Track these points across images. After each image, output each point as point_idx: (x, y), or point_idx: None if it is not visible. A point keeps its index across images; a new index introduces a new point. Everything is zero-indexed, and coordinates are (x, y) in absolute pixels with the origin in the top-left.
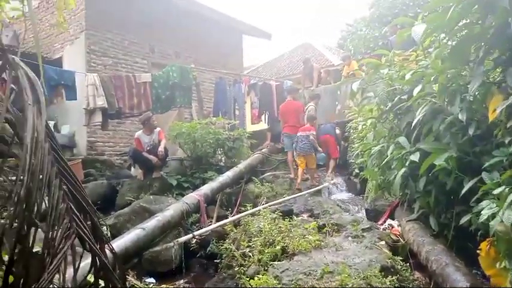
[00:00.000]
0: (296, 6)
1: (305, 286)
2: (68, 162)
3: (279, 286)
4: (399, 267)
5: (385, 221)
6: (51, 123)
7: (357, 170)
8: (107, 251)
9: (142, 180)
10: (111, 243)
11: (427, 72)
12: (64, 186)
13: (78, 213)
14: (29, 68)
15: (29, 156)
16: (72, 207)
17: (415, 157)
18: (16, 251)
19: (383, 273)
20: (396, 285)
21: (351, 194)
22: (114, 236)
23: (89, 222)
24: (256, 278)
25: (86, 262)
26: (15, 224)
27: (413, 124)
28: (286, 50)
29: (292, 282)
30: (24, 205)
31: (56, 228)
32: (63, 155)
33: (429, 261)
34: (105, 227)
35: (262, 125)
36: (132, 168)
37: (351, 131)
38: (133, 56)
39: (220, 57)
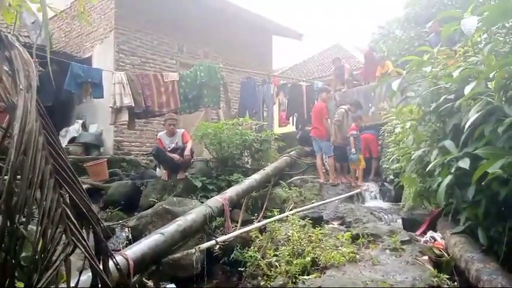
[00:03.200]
0: (325, 8)
1: None
2: (93, 161)
3: None
4: (446, 286)
5: (424, 232)
6: (80, 122)
7: (391, 176)
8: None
9: (166, 181)
10: (129, 249)
11: (480, 69)
12: (61, 189)
13: (76, 221)
14: (24, 49)
15: (15, 150)
16: (70, 213)
17: (465, 163)
18: None
19: None
20: None
21: (385, 201)
22: (135, 238)
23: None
24: None
25: (87, 277)
26: None
27: (466, 126)
28: (316, 52)
29: None
30: (6, 211)
31: (47, 238)
32: (89, 152)
33: (480, 281)
34: (127, 229)
35: (291, 127)
36: (157, 169)
37: (386, 134)
38: (161, 56)
39: (249, 58)
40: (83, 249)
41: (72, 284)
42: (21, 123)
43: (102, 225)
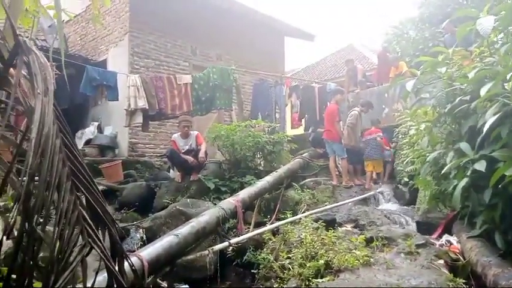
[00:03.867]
0: (338, 9)
1: None
2: (108, 162)
3: None
4: None
5: (439, 236)
6: (96, 124)
7: (406, 179)
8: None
9: (180, 183)
10: (143, 250)
11: (496, 70)
12: (77, 191)
13: (92, 223)
14: (41, 53)
15: (32, 152)
16: (86, 215)
17: (481, 166)
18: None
19: None
20: None
21: (399, 204)
22: (149, 239)
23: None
24: None
25: (102, 279)
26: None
27: (483, 128)
28: (328, 53)
29: None
30: (24, 212)
31: (64, 239)
32: (104, 154)
33: (498, 287)
34: (141, 230)
35: (303, 129)
36: (171, 171)
37: (400, 136)
38: (175, 58)
39: (261, 60)
40: (98, 251)
41: (88, 285)
42: (39, 127)
43: (117, 226)
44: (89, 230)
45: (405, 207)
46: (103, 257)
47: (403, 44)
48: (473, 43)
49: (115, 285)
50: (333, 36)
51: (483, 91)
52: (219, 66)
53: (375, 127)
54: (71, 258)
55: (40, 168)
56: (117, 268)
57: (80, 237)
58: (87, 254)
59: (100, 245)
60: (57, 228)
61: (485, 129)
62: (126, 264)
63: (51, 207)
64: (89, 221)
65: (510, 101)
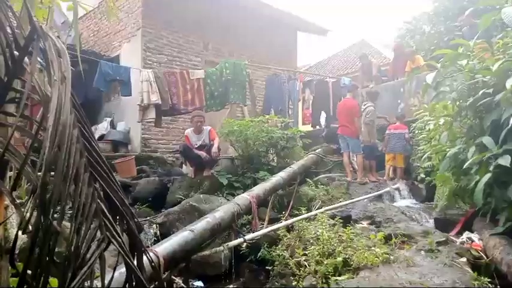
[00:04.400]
0: (349, 4)
1: None
2: (121, 158)
3: None
4: None
5: (459, 233)
6: (109, 120)
7: (422, 175)
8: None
9: (192, 178)
10: (159, 245)
11: None
12: (95, 183)
13: (110, 217)
14: (58, 39)
15: (49, 143)
16: (104, 209)
17: (505, 161)
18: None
19: None
20: None
21: (415, 200)
22: (162, 235)
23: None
24: None
25: (118, 275)
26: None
27: (509, 122)
28: (341, 48)
29: None
30: (40, 206)
31: (81, 234)
32: (117, 149)
33: None
34: (154, 226)
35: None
36: (184, 166)
37: (416, 131)
38: (187, 54)
39: (274, 55)
40: (117, 246)
41: (106, 281)
42: (56, 116)
43: (136, 220)
44: (108, 223)
45: (422, 204)
46: (122, 252)
47: (417, 39)
48: (494, 37)
49: (134, 282)
50: (345, 31)
51: (509, 83)
52: (232, 61)
53: (399, 122)
54: (89, 254)
55: (57, 159)
56: (136, 263)
57: (98, 231)
58: (105, 248)
59: (119, 239)
60: (74, 222)
61: (510, 122)
62: (145, 259)
63: (68, 200)
64: (107, 214)
65: None
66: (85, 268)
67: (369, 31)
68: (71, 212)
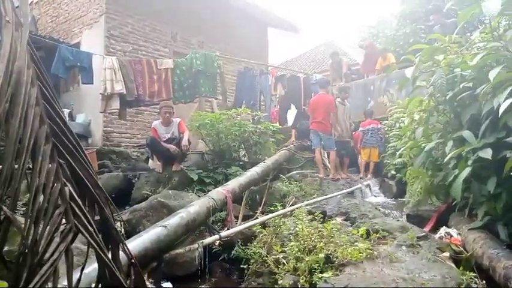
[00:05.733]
0: (315, 5)
1: None
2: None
3: None
4: (474, 285)
5: (432, 229)
6: (66, 112)
7: (393, 172)
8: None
9: (160, 173)
10: (128, 243)
11: (503, 54)
12: (60, 158)
13: (80, 202)
14: None
15: None
16: (72, 190)
17: (486, 154)
18: None
19: None
20: None
21: (386, 197)
22: (128, 233)
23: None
24: None
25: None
26: None
27: (500, 110)
28: (308, 49)
29: None
30: None
31: (42, 221)
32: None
33: (510, 280)
34: (119, 223)
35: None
36: (150, 161)
37: (387, 128)
38: (154, 43)
39: (245, 49)
40: (88, 237)
41: (74, 280)
42: (8, 62)
43: (111, 206)
44: (76, 209)
45: (393, 200)
46: (94, 244)
47: (383, 41)
48: (469, 33)
49: (109, 280)
50: (312, 32)
51: (492, 75)
52: (203, 52)
53: (369, 119)
54: (51, 249)
55: (8, 123)
56: (110, 258)
57: (64, 221)
58: (72, 241)
59: (91, 229)
60: (31, 208)
61: (501, 110)
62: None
63: (24, 180)
64: (76, 198)
65: None
66: (46, 267)
67: (335, 32)
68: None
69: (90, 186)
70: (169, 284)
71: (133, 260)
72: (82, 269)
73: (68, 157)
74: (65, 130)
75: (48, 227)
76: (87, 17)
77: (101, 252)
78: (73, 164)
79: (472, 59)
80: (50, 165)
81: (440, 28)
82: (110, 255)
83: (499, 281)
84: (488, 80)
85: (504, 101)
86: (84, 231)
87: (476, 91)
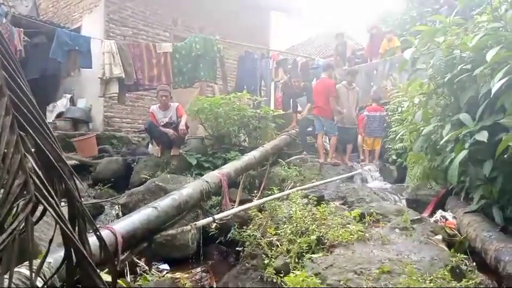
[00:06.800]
0: None
1: None
2: (81, 136)
3: (322, 287)
4: (464, 267)
5: (431, 213)
6: (68, 96)
7: (394, 157)
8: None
9: (159, 158)
10: (117, 222)
11: (503, 34)
12: (22, 131)
13: (42, 175)
14: None
15: None
16: (33, 162)
17: (482, 136)
18: None
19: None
20: None
21: (386, 182)
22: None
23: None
24: (292, 275)
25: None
26: None
27: (493, 90)
28: (313, 34)
29: (341, 283)
30: None
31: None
32: (77, 128)
33: (500, 262)
34: (117, 206)
35: None
36: (150, 146)
37: (389, 113)
38: (154, 28)
39: (246, 34)
40: (50, 209)
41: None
42: None
43: (76, 179)
44: (37, 181)
45: (392, 185)
46: (56, 218)
47: (389, 24)
48: (470, 16)
49: (75, 259)
50: (318, 17)
51: (489, 56)
52: (202, 36)
53: (376, 104)
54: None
55: None
56: (77, 235)
57: (20, 188)
58: (38, 217)
59: (52, 201)
60: None
61: (493, 91)
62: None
63: None
64: (37, 170)
65: None
66: (4, 235)
67: (343, 18)
68: None
69: (53, 160)
70: (166, 266)
71: (98, 233)
72: (50, 242)
73: (30, 130)
74: (27, 103)
75: (8, 197)
76: (87, 1)
77: (64, 227)
78: (35, 137)
79: (471, 40)
80: (10, 136)
81: (448, 10)
82: (77, 234)
83: (490, 263)
84: (486, 62)
85: (498, 81)
86: (44, 202)
87: (474, 73)
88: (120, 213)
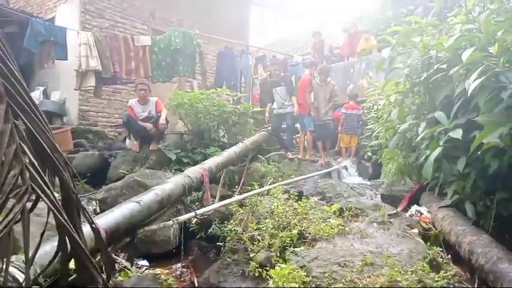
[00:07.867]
0: None
1: (346, 282)
2: (55, 130)
3: (308, 279)
4: (440, 259)
5: (405, 208)
6: (41, 89)
7: (369, 153)
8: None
9: (137, 153)
10: (100, 217)
11: (477, 36)
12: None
13: (37, 164)
14: None
15: None
16: (28, 152)
17: (457, 134)
18: None
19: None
20: (451, 283)
21: (362, 178)
22: (103, 212)
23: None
24: (277, 268)
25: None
26: None
27: (469, 90)
28: (293, 31)
29: (326, 275)
30: None
31: None
32: (51, 122)
33: (473, 255)
34: (94, 202)
35: None
36: (127, 140)
37: (365, 111)
38: (132, 20)
39: (226, 29)
40: (45, 199)
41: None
42: None
43: (71, 170)
44: (33, 171)
45: (368, 181)
46: (52, 208)
47: (365, 24)
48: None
49: (69, 248)
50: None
51: (465, 56)
52: (182, 30)
53: (353, 102)
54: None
55: None
56: (71, 224)
57: (17, 178)
58: (26, 201)
59: (48, 191)
60: None
61: (469, 91)
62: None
63: None
64: (32, 159)
65: (495, 64)
66: (0, 227)
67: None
68: None
69: (48, 150)
70: (145, 262)
71: (94, 225)
72: (42, 234)
73: (25, 120)
74: (21, 91)
75: (3, 188)
76: None
77: (59, 216)
78: (30, 126)
79: (447, 41)
80: (4, 126)
81: (423, 11)
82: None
83: (464, 256)
84: (462, 62)
85: (474, 81)
86: (40, 192)
87: (450, 72)
88: (98, 209)
